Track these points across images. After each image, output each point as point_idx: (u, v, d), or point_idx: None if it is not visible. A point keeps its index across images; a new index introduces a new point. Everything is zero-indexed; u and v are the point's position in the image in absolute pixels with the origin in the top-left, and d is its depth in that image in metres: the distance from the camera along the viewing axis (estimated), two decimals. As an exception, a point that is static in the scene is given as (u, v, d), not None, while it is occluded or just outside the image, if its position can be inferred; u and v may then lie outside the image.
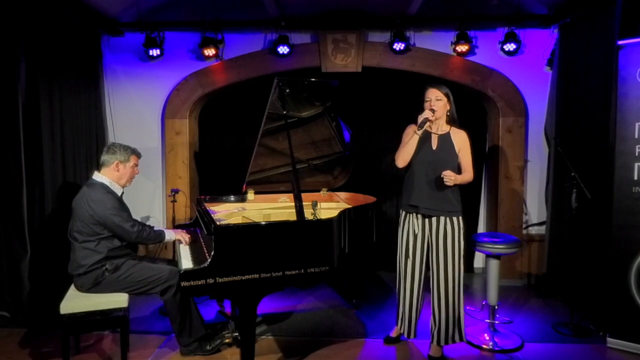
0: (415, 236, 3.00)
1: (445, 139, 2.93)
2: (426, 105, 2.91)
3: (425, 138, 2.93)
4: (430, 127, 2.91)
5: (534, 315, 3.82)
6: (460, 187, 2.97)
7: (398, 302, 3.17)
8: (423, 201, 2.91)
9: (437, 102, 2.88)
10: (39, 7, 3.63)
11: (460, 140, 2.94)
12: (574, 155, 3.88)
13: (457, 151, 2.92)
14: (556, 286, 4.19)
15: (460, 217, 2.95)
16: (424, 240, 2.99)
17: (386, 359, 3.07)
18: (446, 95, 2.91)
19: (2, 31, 3.41)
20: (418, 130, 2.82)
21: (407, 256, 3.04)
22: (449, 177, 2.74)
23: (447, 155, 2.91)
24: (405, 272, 3.06)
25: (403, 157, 2.91)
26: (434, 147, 2.94)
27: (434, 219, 2.94)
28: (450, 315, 2.95)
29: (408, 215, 3.03)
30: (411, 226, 3.01)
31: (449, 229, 2.91)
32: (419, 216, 2.97)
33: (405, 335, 3.15)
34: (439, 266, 2.94)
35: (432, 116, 2.83)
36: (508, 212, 4.60)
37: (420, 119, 2.82)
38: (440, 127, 2.97)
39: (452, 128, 2.97)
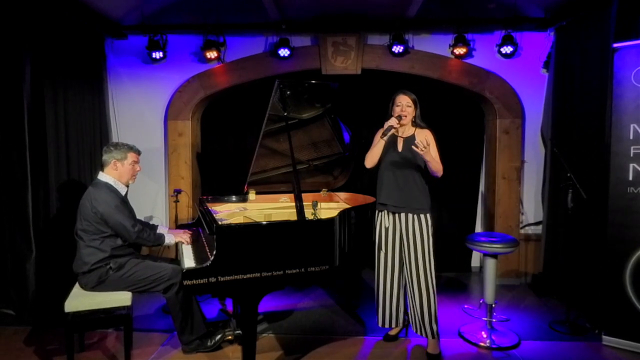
0: (386, 229, 3.14)
1: (409, 141, 3.05)
2: (396, 109, 3.05)
3: (392, 141, 3.11)
4: (397, 131, 3.07)
5: (530, 314, 3.87)
6: (428, 185, 3.11)
7: (377, 295, 3.26)
8: (391, 199, 3.08)
9: (407, 107, 3.05)
10: (44, 10, 3.69)
11: (424, 139, 3.05)
12: (570, 156, 3.93)
13: None
14: (552, 285, 4.24)
15: (428, 215, 3.07)
16: (395, 233, 3.13)
17: (385, 357, 3.12)
18: (414, 101, 3.08)
19: (8, 34, 3.47)
20: (382, 137, 2.98)
21: (379, 248, 3.19)
22: (421, 143, 2.76)
23: (411, 155, 3.03)
24: (379, 264, 3.21)
25: (370, 160, 3.12)
26: (400, 149, 3.10)
27: (402, 215, 3.07)
28: (425, 310, 3.06)
29: (380, 213, 3.19)
30: (383, 221, 3.17)
31: (417, 225, 3.05)
32: (390, 213, 3.13)
33: (392, 325, 3.25)
34: (410, 262, 3.07)
35: (397, 124, 2.98)
36: (505, 211, 4.65)
37: (386, 126, 2.98)
38: (406, 130, 3.12)
39: (417, 130, 3.11)
